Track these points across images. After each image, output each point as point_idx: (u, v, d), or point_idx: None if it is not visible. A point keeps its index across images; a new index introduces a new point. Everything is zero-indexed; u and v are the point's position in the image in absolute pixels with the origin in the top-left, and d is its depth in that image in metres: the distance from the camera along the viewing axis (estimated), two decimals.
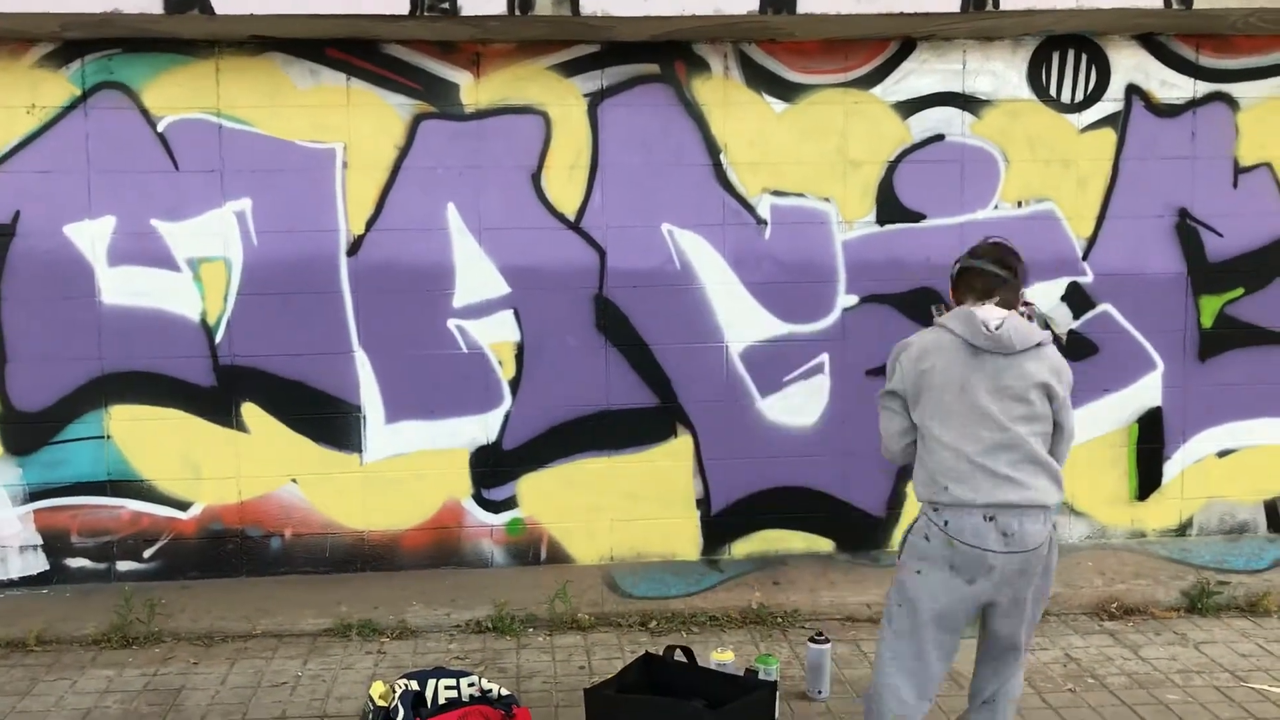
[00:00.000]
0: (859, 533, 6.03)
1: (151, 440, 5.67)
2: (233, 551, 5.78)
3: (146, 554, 5.73)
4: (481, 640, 5.19)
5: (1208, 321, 6.07)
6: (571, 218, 5.75)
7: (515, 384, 5.81)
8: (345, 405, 5.74)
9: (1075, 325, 5.95)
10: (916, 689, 3.50)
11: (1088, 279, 5.97)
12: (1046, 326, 3.74)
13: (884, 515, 6.03)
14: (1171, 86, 5.93)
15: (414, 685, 4.20)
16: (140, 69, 5.50)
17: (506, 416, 5.82)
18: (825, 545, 6.03)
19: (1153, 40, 5.89)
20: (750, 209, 5.82)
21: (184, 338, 5.64)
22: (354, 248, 5.67)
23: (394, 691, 4.18)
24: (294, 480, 5.77)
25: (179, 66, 5.52)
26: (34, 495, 5.64)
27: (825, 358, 5.92)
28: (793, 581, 5.66)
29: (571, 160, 5.72)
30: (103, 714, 4.47)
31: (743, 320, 5.86)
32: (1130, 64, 5.89)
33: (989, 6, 5.21)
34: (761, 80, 5.77)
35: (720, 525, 5.97)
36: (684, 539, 5.97)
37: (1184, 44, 5.90)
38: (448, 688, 4.21)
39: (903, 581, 3.51)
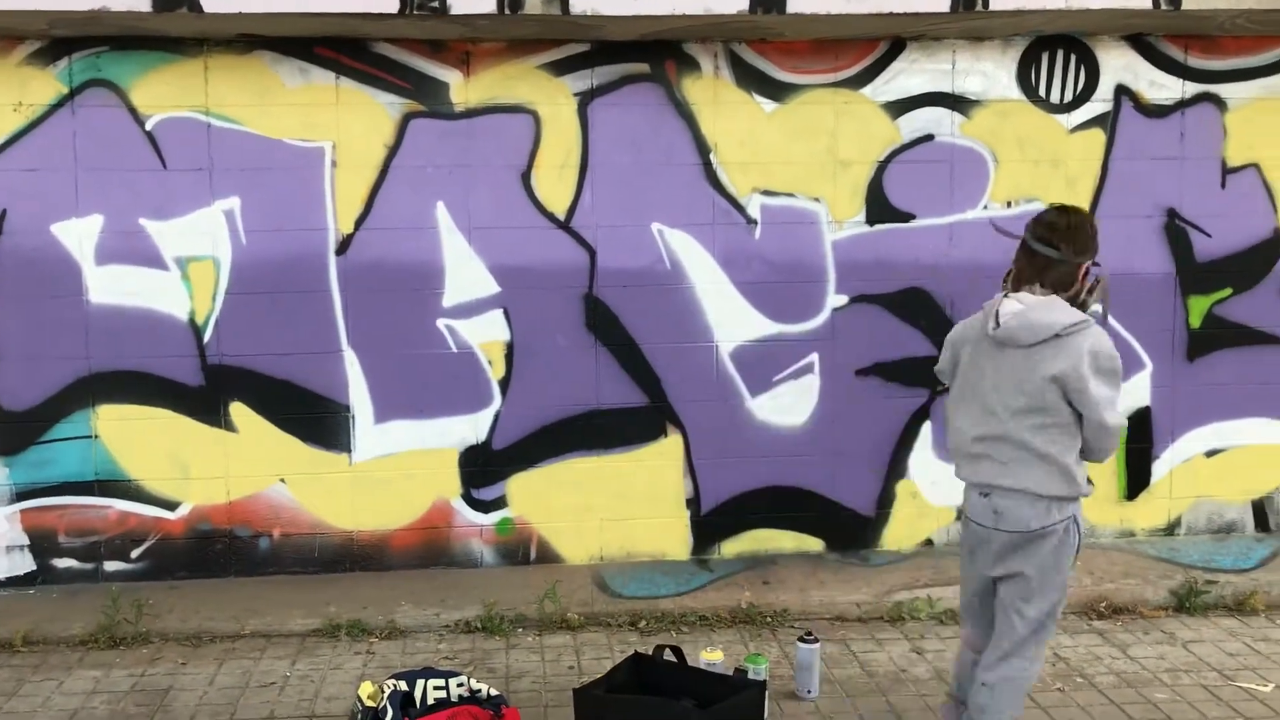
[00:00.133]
0: (849, 532, 6.04)
1: (139, 440, 5.65)
2: (221, 551, 5.76)
3: (134, 554, 5.71)
4: (471, 640, 5.18)
5: (1196, 321, 6.09)
6: (561, 217, 5.75)
7: (505, 383, 5.80)
8: (334, 405, 5.73)
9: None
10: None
11: None
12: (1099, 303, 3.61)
13: (873, 515, 6.04)
14: (1160, 87, 5.94)
15: (402, 685, 4.19)
16: (128, 67, 5.48)
17: (496, 416, 5.81)
18: (815, 545, 6.03)
19: (1142, 41, 5.90)
20: (740, 209, 5.82)
21: (172, 337, 5.61)
22: (343, 247, 5.66)
23: (382, 692, 4.17)
24: (283, 480, 5.75)
25: (167, 64, 5.49)
26: (21, 495, 5.61)
27: (815, 357, 5.93)
28: (782, 581, 5.66)
29: (561, 159, 5.72)
30: (90, 715, 4.45)
31: (732, 320, 5.86)
32: (1119, 64, 5.91)
33: (978, 6, 5.21)
34: (751, 80, 5.77)
35: (710, 525, 5.97)
36: (674, 538, 5.97)
37: (1173, 45, 5.92)
38: (436, 688, 4.21)
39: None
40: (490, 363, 5.79)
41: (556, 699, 4.50)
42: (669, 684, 4.17)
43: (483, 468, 5.83)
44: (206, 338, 5.63)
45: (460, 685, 4.23)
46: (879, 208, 5.88)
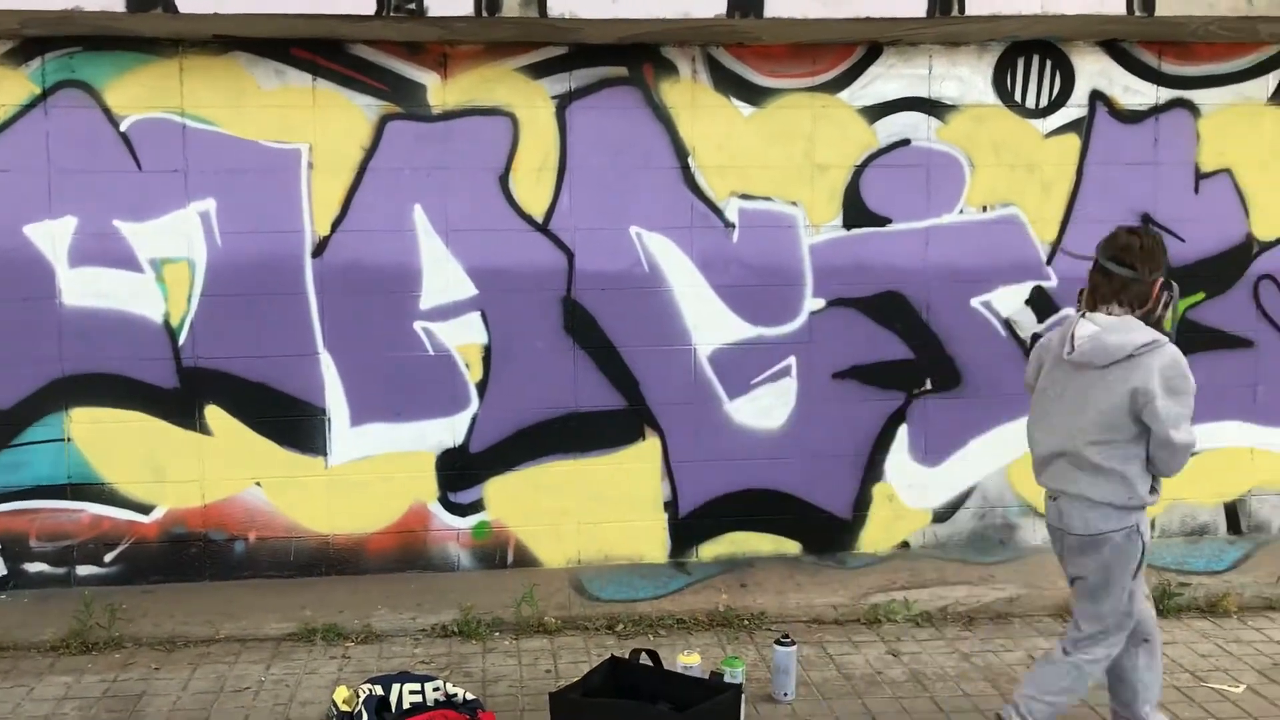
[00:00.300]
0: (826, 535, 6.05)
1: (113, 443, 5.60)
2: (196, 555, 5.72)
3: (107, 558, 5.66)
4: (447, 644, 5.17)
5: (1169, 325, 6.12)
6: (539, 220, 5.74)
7: (482, 386, 5.79)
8: (310, 408, 5.70)
9: (1039, 329, 6.00)
10: None
11: (1052, 283, 6.02)
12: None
13: (850, 517, 6.06)
14: (1134, 93, 5.99)
15: (378, 690, 4.18)
16: (102, 68, 5.44)
17: (473, 419, 5.80)
18: (792, 547, 6.05)
19: (1116, 47, 5.95)
20: (718, 212, 5.83)
21: (147, 339, 5.57)
22: (319, 249, 5.63)
23: (358, 696, 4.16)
24: (258, 483, 5.72)
25: (142, 65, 5.46)
26: None
27: (792, 360, 5.94)
28: (760, 584, 5.67)
29: (539, 162, 5.71)
30: None
31: (710, 323, 5.87)
32: (1094, 70, 5.95)
33: (954, 12, 5.24)
34: (729, 84, 5.78)
35: (688, 528, 5.98)
36: (651, 542, 5.97)
37: (1147, 51, 5.97)
38: (412, 692, 4.20)
39: None
40: (467, 365, 5.78)
41: (533, 703, 4.49)
42: (645, 688, 4.18)
43: (460, 471, 5.81)
44: (181, 340, 5.59)
45: (436, 689, 4.22)
46: (856, 212, 5.90)
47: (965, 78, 5.89)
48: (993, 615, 5.46)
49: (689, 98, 5.75)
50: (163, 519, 5.68)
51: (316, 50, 5.54)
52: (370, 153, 5.62)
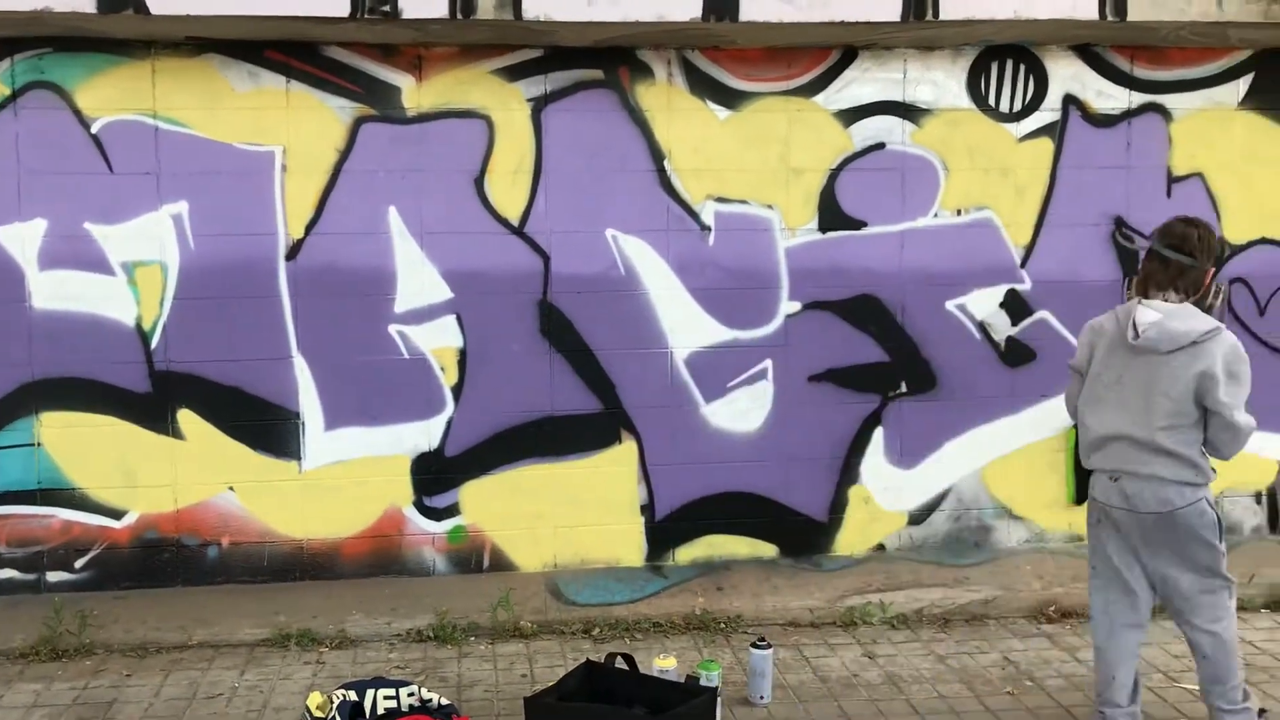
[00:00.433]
0: (802, 538, 6.06)
1: (84, 448, 5.55)
2: (168, 561, 5.67)
3: (78, 564, 5.60)
4: (422, 649, 5.14)
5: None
6: (515, 222, 5.72)
7: (458, 390, 5.77)
8: (284, 412, 5.66)
9: (1013, 332, 6.03)
10: (1110, 619, 4.00)
11: (1026, 286, 6.06)
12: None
13: (826, 520, 6.07)
14: (1107, 97, 6.03)
15: (352, 695, 4.16)
16: (73, 69, 5.39)
17: (449, 423, 5.77)
18: (769, 550, 6.05)
19: (1089, 51, 5.99)
20: (694, 215, 5.83)
21: (118, 343, 5.52)
22: (293, 252, 5.60)
23: (331, 702, 4.14)
24: (231, 488, 5.67)
25: (113, 67, 5.41)
26: None
27: (768, 363, 5.95)
28: (736, 587, 5.67)
29: (515, 165, 5.70)
30: None
31: (687, 326, 5.87)
32: (1067, 74, 5.99)
33: (929, 16, 5.26)
34: (705, 87, 5.78)
35: (664, 531, 5.97)
36: (628, 545, 5.96)
37: (1119, 55, 6.01)
38: (387, 698, 4.18)
39: (1087, 530, 4.09)
40: (443, 369, 5.75)
41: (509, 708, 4.47)
42: (621, 692, 4.17)
43: (435, 475, 5.79)
44: (154, 344, 5.55)
45: (411, 695, 4.20)
46: (831, 215, 5.92)
47: (940, 82, 5.92)
48: (968, 617, 5.48)
49: (665, 101, 5.75)
50: (135, 524, 5.63)
51: (290, 52, 5.50)
52: (345, 155, 5.59)
